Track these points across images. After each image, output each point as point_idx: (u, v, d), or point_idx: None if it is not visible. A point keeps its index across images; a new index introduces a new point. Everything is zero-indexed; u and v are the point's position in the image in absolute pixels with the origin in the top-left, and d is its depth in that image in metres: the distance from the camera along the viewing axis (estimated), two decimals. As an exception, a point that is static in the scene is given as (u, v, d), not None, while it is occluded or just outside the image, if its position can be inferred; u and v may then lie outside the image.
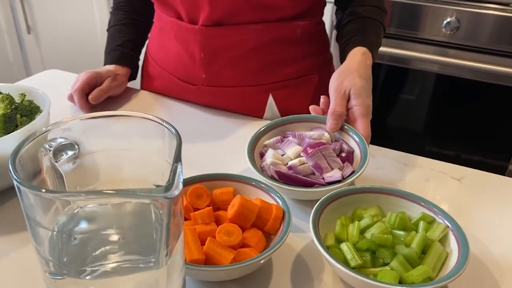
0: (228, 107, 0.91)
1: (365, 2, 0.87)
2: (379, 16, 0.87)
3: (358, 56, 0.79)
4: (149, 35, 1.02)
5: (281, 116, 0.91)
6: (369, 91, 0.74)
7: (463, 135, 1.67)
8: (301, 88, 0.91)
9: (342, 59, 0.83)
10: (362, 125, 0.71)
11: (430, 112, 1.70)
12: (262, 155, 0.71)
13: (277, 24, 0.84)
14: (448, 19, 1.49)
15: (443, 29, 1.51)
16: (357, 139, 0.70)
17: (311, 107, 0.77)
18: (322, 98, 0.77)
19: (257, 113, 0.91)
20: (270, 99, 0.90)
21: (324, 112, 0.75)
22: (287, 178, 0.65)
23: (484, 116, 1.62)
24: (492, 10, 1.46)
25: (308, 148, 0.67)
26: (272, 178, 0.65)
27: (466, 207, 0.68)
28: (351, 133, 0.71)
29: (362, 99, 0.72)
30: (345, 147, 0.71)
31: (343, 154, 0.69)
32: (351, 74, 0.75)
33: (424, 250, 0.54)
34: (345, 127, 0.73)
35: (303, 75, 0.91)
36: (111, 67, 0.95)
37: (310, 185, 0.65)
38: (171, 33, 0.89)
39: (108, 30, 1.01)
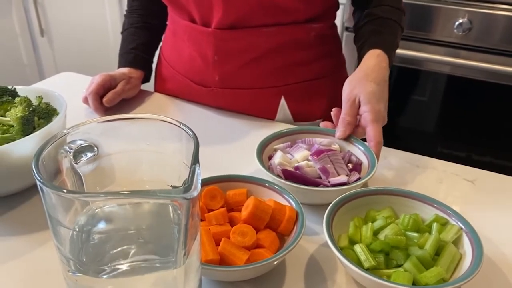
0: (240, 109, 0.92)
1: (383, 2, 0.86)
2: (396, 16, 0.86)
3: (373, 59, 0.78)
4: (163, 38, 1.03)
5: (293, 118, 0.92)
6: (380, 95, 0.73)
7: (474, 137, 1.66)
8: (313, 90, 0.92)
9: (359, 61, 0.82)
10: (373, 131, 0.71)
11: (441, 113, 1.69)
12: (271, 158, 0.72)
13: (290, 27, 0.84)
14: (460, 20, 1.48)
15: (455, 30, 1.50)
16: (365, 151, 0.71)
17: (322, 123, 0.77)
18: (333, 111, 0.76)
19: (269, 115, 0.92)
20: (282, 101, 0.90)
21: (335, 126, 0.76)
22: (293, 177, 0.66)
23: (496, 117, 1.60)
24: (504, 11, 1.45)
25: (316, 152, 0.68)
26: (278, 177, 0.66)
27: (479, 209, 0.67)
28: (359, 145, 0.72)
29: (371, 105, 0.72)
30: (353, 158, 0.71)
31: (351, 165, 0.70)
32: (362, 80, 0.75)
33: (438, 251, 0.54)
34: (352, 139, 0.73)
35: (316, 78, 0.91)
36: (125, 70, 0.96)
37: (316, 185, 0.65)
38: (184, 35, 0.90)
39: (122, 33, 1.02)
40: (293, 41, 0.86)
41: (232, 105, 0.92)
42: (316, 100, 0.92)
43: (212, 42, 0.85)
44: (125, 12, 1.04)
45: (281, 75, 0.89)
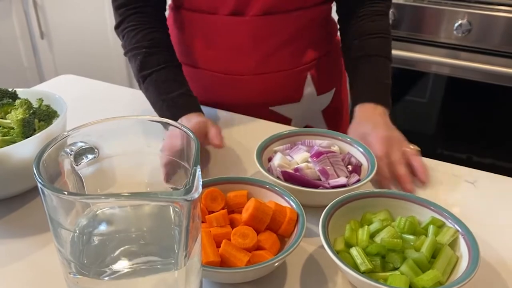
0: (270, 93, 0.95)
1: (373, 30, 0.89)
2: (386, 48, 0.89)
3: (377, 117, 0.81)
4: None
5: (316, 92, 1.00)
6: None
7: (475, 138, 1.66)
8: (330, 62, 1.00)
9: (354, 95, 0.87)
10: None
11: (441, 115, 1.69)
12: (270, 160, 0.72)
13: (309, 10, 0.91)
14: (460, 22, 1.49)
15: (455, 32, 1.51)
16: (365, 152, 0.71)
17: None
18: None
19: (297, 94, 0.97)
20: (308, 77, 0.97)
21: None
22: (292, 178, 0.66)
23: (496, 118, 1.61)
24: (504, 12, 1.46)
25: (316, 154, 0.68)
26: (278, 179, 0.66)
27: (479, 211, 0.67)
28: (359, 147, 0.72)
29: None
30: (353, 160, 0.71)
31: (350, 167, 0.70)
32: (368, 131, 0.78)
33: (434, 254, 0.54)
34: (352, 140, 0.74)
35: (329, 51, 0.99)
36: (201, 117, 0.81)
37: (315, 187, 0.65)
38: (213, 29, 0.90)
39: (149, 74, 0.84)
40: (311, 22, 0.92)
41: (262, 91, 0.95)
42: (332, 70, 1.01)
43: (248, 30, 0.88)
44: (141, 54, 0.84)
45: (306, 53, 0.95)
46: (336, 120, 1.07)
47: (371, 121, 0.80)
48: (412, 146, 0.76)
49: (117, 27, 0.90)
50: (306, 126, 1.01)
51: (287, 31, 0.90)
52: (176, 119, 0.78)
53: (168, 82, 0.83)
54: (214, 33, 0.91)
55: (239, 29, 0.88)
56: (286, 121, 0.98)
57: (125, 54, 0.88)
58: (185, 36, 0.96)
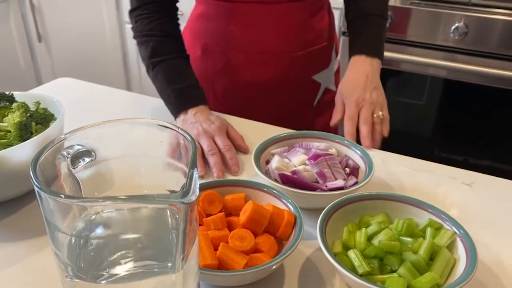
0: (314, 64, 1.04)
1: None
2: (381, 7, 0.98)
3: (362, 75, 0.91)
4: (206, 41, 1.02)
5: (336, 56, 1.09)
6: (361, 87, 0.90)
7: (472, 140, 1.67)
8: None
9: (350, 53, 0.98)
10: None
11: (438, 117, 1.70)
12: (268, 162, 0.72)
13: None
14: (456, 25, 1.49)
15: (452, 35, 1.51)
16: (362, 155, 0.71)
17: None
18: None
19: (328, 60, 1.07)
20: (334, 45, 1.08)
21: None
22: (290, 181, 0.66)
23: (493, 121, 1.61)
24: (500, 15, 1.46)
25: (313, 157, 0.68)
26: (275, 181, 0.66)
27: (477, 213, 0.68)
28: (356, 150, 0.73)
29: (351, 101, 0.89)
30: (350, 163, 0.72)
31: (348, 170, 0.70)
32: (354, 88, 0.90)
33: (432, 256, 0.54)
34: (349, 143, 0.74)
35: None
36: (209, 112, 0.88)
37: (313, 189, 0.65)
38: (268, 17, 0.95)
39: (159, 61, 0.90)
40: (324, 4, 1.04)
41: (308, 64, 1.02)
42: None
43: (307, 10, 0.97)
44: (156, 38, 0.90)
45: (333, 23, 1.07)
46: (338, 81, 1.16)
47: (354, 81, 0.90)
48: (381, 113, 0.87)
49: (132, 11, 0.94)
50: (326, 89, 1.10)
51: (328, 5, 1.03)
52: (184, 109, 0.86)
53: (177, 71, 0.90)
54: (270, 20, 0.96)
55: (298, 11, 0.96)
56: (317, 85, 1.07)
57: (135, 37, 0.93)
58: (233, 26, 0.98)
